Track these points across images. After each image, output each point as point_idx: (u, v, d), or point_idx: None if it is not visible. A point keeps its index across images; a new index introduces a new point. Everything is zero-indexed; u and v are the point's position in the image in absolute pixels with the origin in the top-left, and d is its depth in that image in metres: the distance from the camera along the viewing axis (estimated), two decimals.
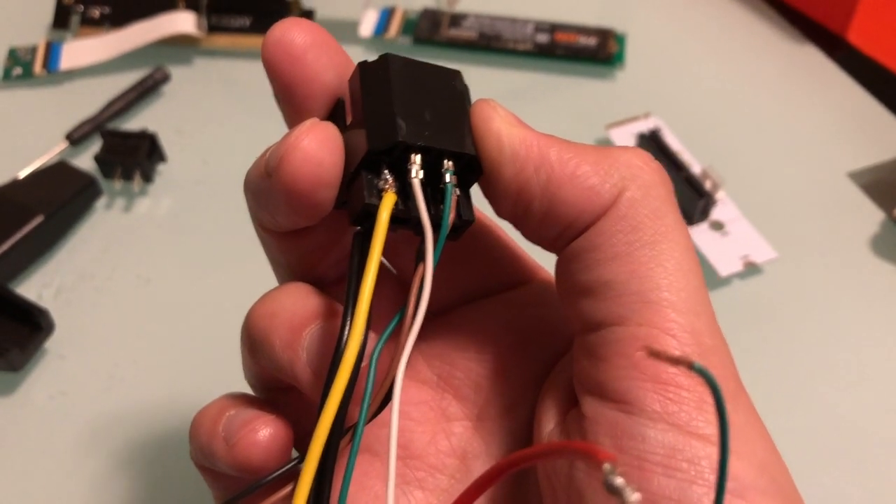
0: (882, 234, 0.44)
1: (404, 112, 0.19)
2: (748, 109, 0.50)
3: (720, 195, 0.43)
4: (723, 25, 0.56)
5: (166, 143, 0.46)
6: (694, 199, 0.42)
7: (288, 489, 0.21)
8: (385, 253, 0.23)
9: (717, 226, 0.43)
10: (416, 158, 0.19)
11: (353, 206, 0.20)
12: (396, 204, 0.19)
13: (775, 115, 0.50)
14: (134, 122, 0.48)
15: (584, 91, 0.51)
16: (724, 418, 0.14)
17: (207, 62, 0.52)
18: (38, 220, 0.41)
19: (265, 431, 0.21)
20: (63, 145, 0.46)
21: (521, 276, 0.24)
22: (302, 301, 0.21)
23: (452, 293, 0.24)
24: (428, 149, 0.19)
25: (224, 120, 0.49)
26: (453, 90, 0.21)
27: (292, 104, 0.21)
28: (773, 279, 0.42)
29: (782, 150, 0.48)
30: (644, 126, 0.47)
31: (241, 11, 0.52)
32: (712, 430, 0.18)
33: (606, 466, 0.13)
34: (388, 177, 0.19)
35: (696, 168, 0.44)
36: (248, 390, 0.24)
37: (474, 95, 0.21)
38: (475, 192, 0.21)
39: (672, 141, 0.46)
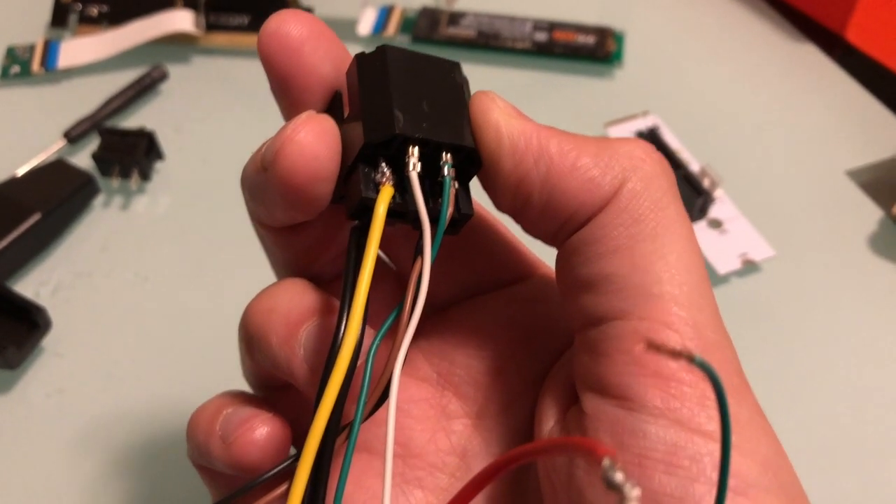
0: (881, 232, 0.44)
1: (402, 104, 0.19)
2: (747, 107, 0.50)
3: (718, 193, 0.43)
4: (721, 24, 0.56)
5: (164, 141, 0.46)
6: (692, 197, 0.42)
7: (283, 488, 0.21)
8: (383, 248, 0.22)
9: (716, 224, 0.43)
10: (414, 151, 0.19)
11: (350, 200, 0.19)
12: (394, 197, 0.19)
13: (774, 113, 0.50)
14: (132, 121, 0.48)
15: (583, 89, 0.51)
16: (726, 413, 0.14)
17: (205, 60, 0.52)
18: (36, 217, 0.41)
19: (262, 430, 0.21)
20: (61, 143, 0.46)
21: (520, 272, 0.24)
22: (299, 297, 0.21)
23: (451, 288, 0.24)
24: (426, 141, 0.19)
25: (222, 118, 0.49)
26: (452, 82, 0.20)
27: (289, 97, 0.21)
28: (771, 277, 0.42)
29: (781, 149, 0.48)
30: (642, 124, 0.47)
31: (240, 10, 0.52)
32: (715, 426, 0.18)
33: (606, 462, 0.12)
34: (385, 170, 0.19)
35: (694, 166, 0.44)
36: (247, 388, 0.24)
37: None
38: (474, 185, 0.21)
39: (670, 139, 0.46)
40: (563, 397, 0.21)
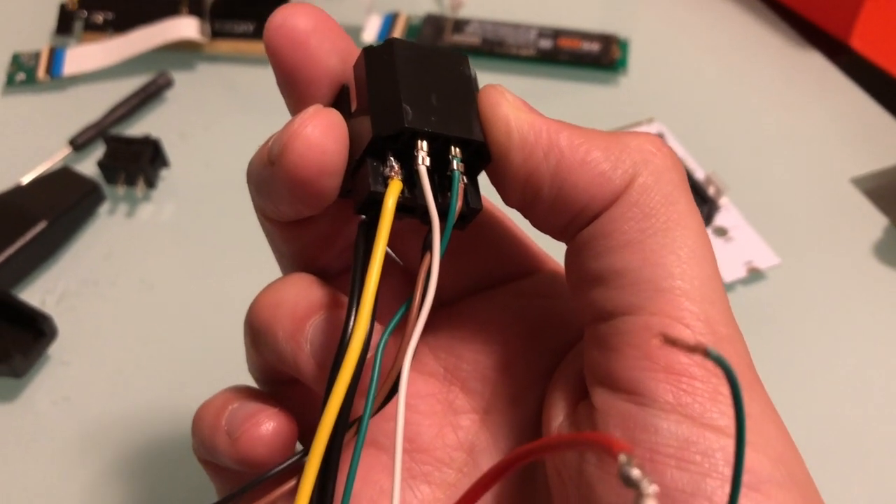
0: (885, 239, 0.43)
1: (410, 97, 0.19)
2: (751, 115, 0.50)
3: (723, 201, 0.43)
4: (726, 31, 0.56)
5: (169, 148, 0.46)
6: (697, 205, 0.42)
7: (291, 484, 0.20)
8: (391, 243, 0.22)
9: (721, 232, 0.43)
10: (423, 145, 0.19)
11: (358, 194, 0.19)
12: (402, 192, 0.19)
13: (778, 120, 0.50)
14: (137, 128, 0.48)
15: (588, 97, 0.51)
16: (741, 407, 0.14)
17: (211, 68, 0.52)
18: (42, 225, 0.41)
19: (269, 425, 0.21)
20: (66, 151, 0.46)
21: (529, 266, 0.24)
22: (305, 291, 0.21)
23: (459, 283, 0.24)
24: (435, 135, 0.19)
25: (227, 125, 0.49)
26: (461, 75, 0.20)
27: (295, 91, 0.20)
28: (776, 285, 0.42)
29: (785, 156, 0.48)
30: (647, 131, 0.47)
31: (245, 17, 0.52)
32: (726, 421, 0.18)
33: (622, 458, 0.12)
34: (393, 164, 0.19)
35: (699, 174, 0.44)
36: (253, 384, 0.24)
37: None
38: (482, 180, 0.21)
39: (675, 146, 0.46)
40: (572, 392, 0.21)
